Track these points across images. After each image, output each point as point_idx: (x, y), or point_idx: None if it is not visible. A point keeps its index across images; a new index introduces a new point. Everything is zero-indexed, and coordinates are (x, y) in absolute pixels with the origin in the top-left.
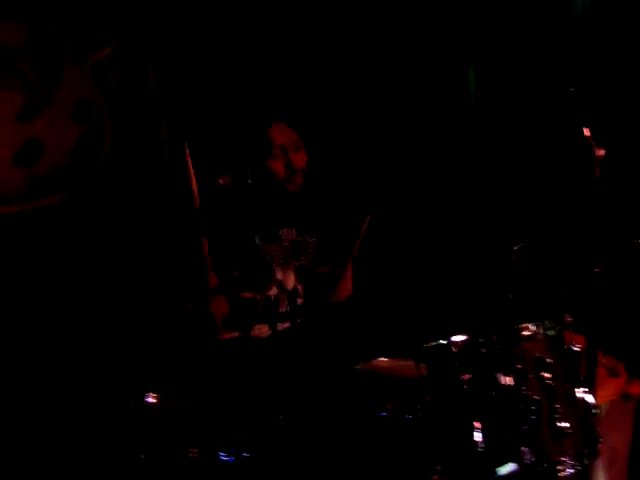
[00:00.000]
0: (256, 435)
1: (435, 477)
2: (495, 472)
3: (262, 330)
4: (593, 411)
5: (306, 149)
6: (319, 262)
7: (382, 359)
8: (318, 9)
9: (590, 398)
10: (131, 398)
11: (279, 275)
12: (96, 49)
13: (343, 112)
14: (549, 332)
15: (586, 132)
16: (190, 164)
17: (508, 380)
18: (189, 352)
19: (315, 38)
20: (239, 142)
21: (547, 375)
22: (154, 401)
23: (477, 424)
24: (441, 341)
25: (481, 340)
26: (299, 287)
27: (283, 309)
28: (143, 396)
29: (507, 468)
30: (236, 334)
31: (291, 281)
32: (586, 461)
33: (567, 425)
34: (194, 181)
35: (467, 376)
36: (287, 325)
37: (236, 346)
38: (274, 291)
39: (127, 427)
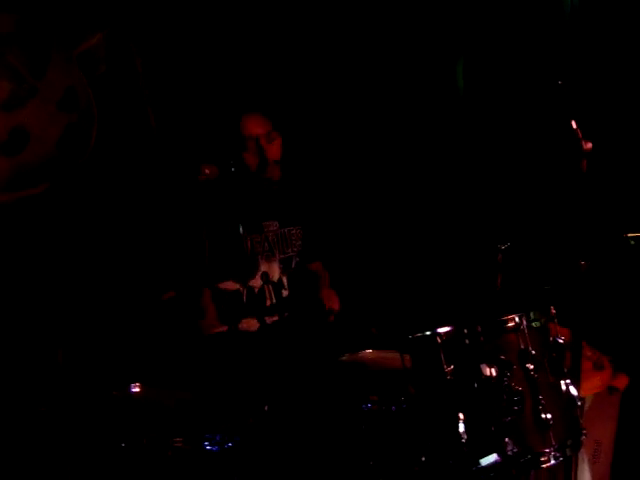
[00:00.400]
0: (241, 425)
1: (418, 468)
2: (478, 463)
3: (250, 324)
4: (577, 403)
5: (292, 141)
6: (306, 255)
7: (367, 350)
8: (305, 1)
9: (574, 390)
10: (115, 388)
11: (264, 267)
12: (83, 38)
13: (331, 105)
14: (534, 324)
15: (573, 125)
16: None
17: (492, 371)
18: (175, 343)
19: (302, 31)
20: (220, 133)
21: (531, 367)
22: (138, 391)
23: (461, 415)
24: (426, 332)
25: (465, 331)
26: (284, 279)
27: (269, 302)
28: (128, 386)
29: (490, 459)
30: (224, 328)
31: (276, 273)
32: (569, 452)
33: (550, 416)
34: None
35: (451, 367)
36: (275, 319)
37: (223, 339)
38: (258, 283)
39: (111, 417)
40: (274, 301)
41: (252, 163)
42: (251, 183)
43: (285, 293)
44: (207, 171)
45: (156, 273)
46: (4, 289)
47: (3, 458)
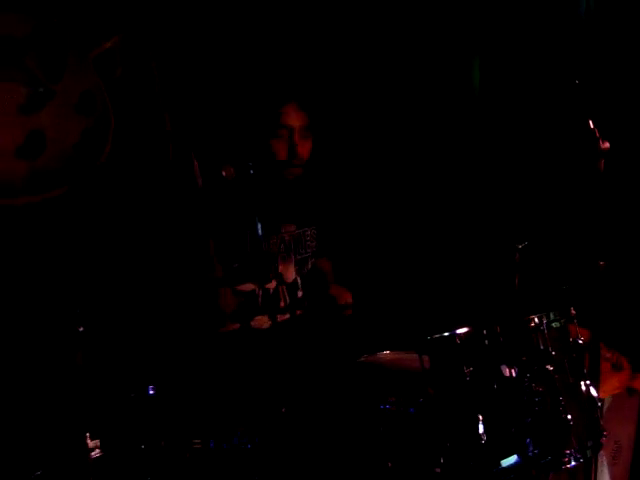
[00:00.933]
0: (259, 427)
1: (438, 469)
2: (499, 464)
3: (262, 321)
4: (597, 404)
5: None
6: (319, 255)
7: (385, 351)
8: (325, 3)
9: (594, 391)
10: (133, 390)
11: (279, 268)
12: (100, 41)
13: (348, 104)
14: (554, 325)
15: (591, 125)
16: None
17: (512, 372)
18: (191, 344)
19: (320, 32)
20: (244, 120)
21: (551, 368)
22: (156, 392)
23: (480, 416)
24: (444, 333)
25: (485, 332)
26: (299, 280)
27: (283, 302)
28: (145, 388)
29: (511, 460)
30: (237, 326)
31: (291, 274)
32: (589, 453)
33: (571, 417)
34: (198, 171)
35: (471, 368)
36: (287, 317)
37: (237, 338)
38: (273, 284)
39: (130, 418)
40: (288, 302)
41: (280, 152)
42: (272, 177)
43: (300, 294)
44: (224, 172)
45: (170, 273)
46: (24, 291)
47: (22, 460)
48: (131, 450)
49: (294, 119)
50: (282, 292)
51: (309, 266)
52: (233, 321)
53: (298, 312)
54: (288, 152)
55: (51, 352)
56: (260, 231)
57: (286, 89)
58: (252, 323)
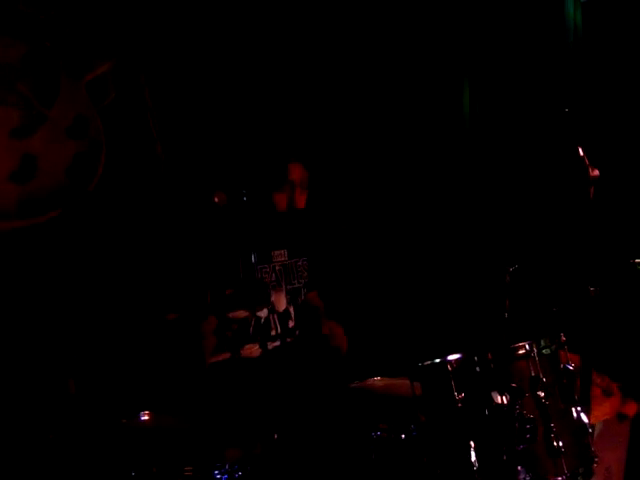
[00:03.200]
0: (250, 453)
1: None
2: None
3: (252, 350)
4: (588, 430)
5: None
6: (311, 286)
7: (377, 377)
8: (312, 31)
9: (585, 417)
10: (124, 416)
11: (271, 297)
12: (92, 66)
13: (338, 135)
14: (544, 351)
15: (581, 152)
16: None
17: (503, 399)
18: (183, 371)
19: (310, 55)
20: (246, 164)
21: (542, 394)
22: (148, 419)
23: (472, 443)
24: (436, 360)
25: (476, 359)
26: (290, 309)
27: (274, 332)
28: (137, 414)
29: None
30: (227, 355)
31: (282, 303)
32: None
33: (562, 444)
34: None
35: (462, 395)
36: (277, 344)
37: (228, 366)
38: (264, 313)
39: (121, 445)
40: (279, 331)
41: (281, 204)
42: (263, 212)
43: (291, 324)
44: (216, 199)
45: (164, 299)
46: (15, 317)
47: None
48: (122, 477)
49: (298, 177)
50: (273, 321)
51: (302, 297)
52: (223, 350)
53: (288, 340)
54: (288, 204)
55: (43, 380)
56: (254, 258)
57: (291, 148)
58: (242, 352)
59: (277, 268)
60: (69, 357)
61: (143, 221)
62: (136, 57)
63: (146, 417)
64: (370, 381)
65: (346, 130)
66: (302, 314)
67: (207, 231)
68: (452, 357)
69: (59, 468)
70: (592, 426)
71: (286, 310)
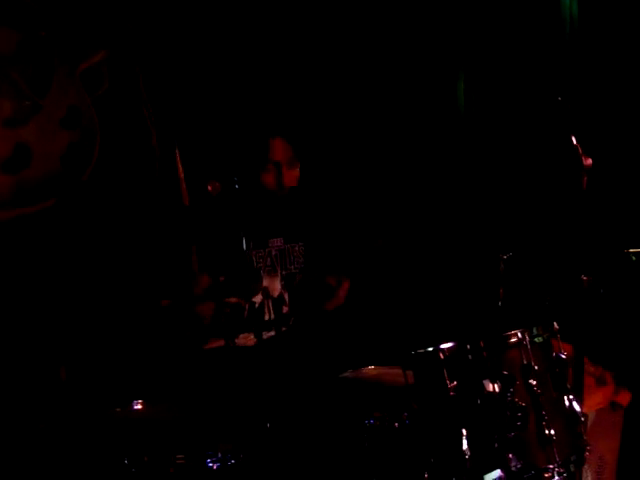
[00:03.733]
0: (243, 442)
1: None
2: (482, 479)
3: (248, 339)
4: (580, 418)
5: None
6: (308, 271)
7: (370, 366)
8: (308, 22)
9: (577, 405)
10: (117, 404)
11: (265, 282)
12: (86, 56)
13: (334, 121)
14: (537, 339)
15: (574, 141)
16: (180, 170)
17: (495, 387)
18: (176, 359)
19: (306, 47)
20: (233, 150)
21: (534, 382)
22: (141, 408)
23: (464, 431)
24: (428, 348)
25: (468, 347)
26: (285, 295)
27: (267, 317)
28: (130, 403)
29: (494, 475)
30: (221, 342)
31: (277, 288)
32: (572, 468)
33: (554, 432)
34: (184, 186)
35: (454, 383)
36: (272, 333)
37: (222, 354)
38: (259, 298)
39: (113, 433)
40: (272, 317)
41: (269, 183)
42: (257, 197)
43: (285, 309)
44: (209, 187)
45: (156, 287)
46: (6, 305)
47: (2, 475)
48: (114, 465)
49: (281, 154)
50: (267, 306)
51: (297, 282)
52: (217, 337)
53: (283, 329)
54: (276, 183)
55: (34, 367)
56: (245, 245)
57: (272, 123)
58: (237, 341)
59: (273, 253)
60: (61, 344)
61: (137, 209)
62: (130, 47)
63: (139, 406)
64: (363, 370)
65: (342, 115)
66: (308, 293)
67: (200, 219)
68: (444, 345)
69: (50, 457)
70: (584, 414)
71: (280, 296)
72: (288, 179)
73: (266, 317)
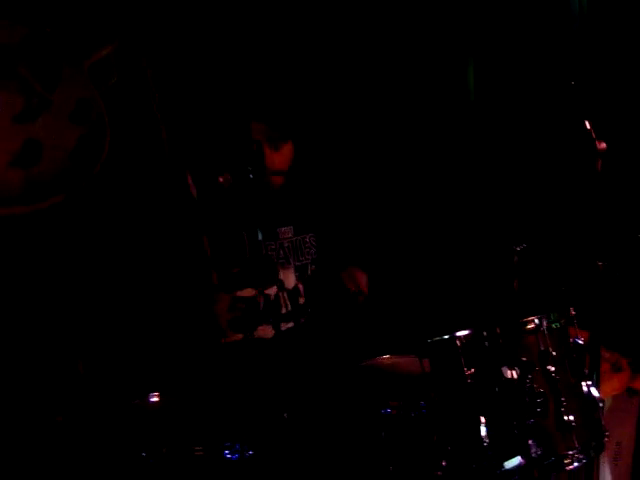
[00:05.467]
0: (261, 433)
1: (440, 473)
2: (502, 466)
3: (266, 331)
4: (599, 404)
5: (304, 146)
6: (322, 261)
7: (386, 355)
8: (316, 6)
9: (595, 391)
10: (135, 397)
11: (280, 274)
12: (94, 50)
13: (343, 109)
14: (554, 325)
15: (587, 125)
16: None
17: (513, 373)
18: (194, 351)
19: (313, 36)
20: (231, 142)
21: (552, 368)
22: (158, 400)
23: (482, 418)
24: (445, 336)
25: (485, 334)
26: (300, 286)
27: (284, 309)
28: (147, 395)
29: (514, 462)
30: (240, 336)
31: (291, 280)
32: (592, 454)
33: (573, 418)
34: (190, 178)
35: (472, 371)
36: (290, 325)
37: (240, 347)
38: (274, 290)
39: (132, 426)
40: (290, 308)
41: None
42: (264, 185)
43: (302, 300)
44: (221, 179)
45: (167, 280)
46: (24, 301)
47: (20, 468)
48: (132, 457)
49: (259, 133)
50: (283, 298)
51: (309, 273)
52: (236, 331)
53: (302, 320)
54: (259, 165)
55: (52, 362)
56: (260, 236)
57: (257, 107)
58: (255, 333)
59: (285, 245)
60: (78, 338)
61: (148, 203)
62: (139, 40)
63: (155, 398)
64: (379, 359)
65: (353, 103)
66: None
67: (212, 211)
68: (461, 333)
69: (68, 450)
70: (602, 400)
71: (295, 287)
72: (276, 160)
73: (283, 310)
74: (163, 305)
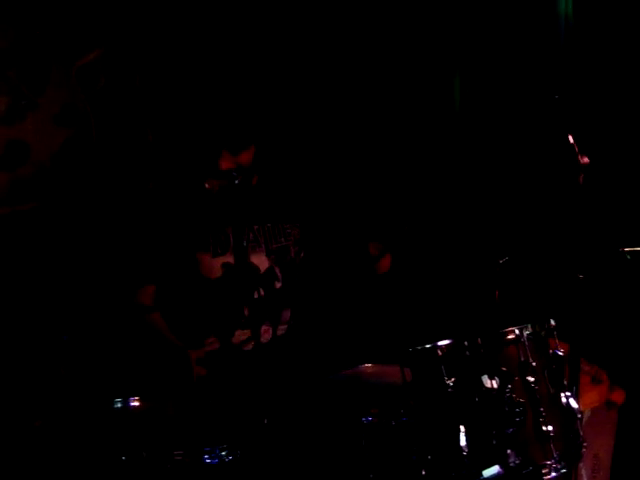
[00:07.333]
0: (241, 439)
1: None
2: (481, 475)
3: (243, 336)
4: (577, 415)
5: (292, 149)
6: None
7: (367, 364)
8: (304, 19)
9: (574, 402)
10: (116, 401)
11: (254, 259)
12: (83, 53)
13: (330, 120)
14: (533, 336)
15: (570, 139)
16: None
17: (493, 383)
18: (173, 357)
19: (301, 42)
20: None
21: (532, 379)
22: (138, 404)
23: (462, 427)
24: (426, 345)
25: (466, 344)
26: (276, 270)
27: (257, 294)
28: (128, 399)
29: (492, 471)
30: (217, 345)
31: (263, 263)
32: (570, 464)
33: (551, 428)
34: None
35: (452, 380)
36: (269, 331)
37: (220, 354)
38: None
39: (111, 430)
40: (262, 294)
41: (224, 164)
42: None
43: (278, 285)
44: (207, 185)
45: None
46: (6, 300)
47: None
48: (112, 461)
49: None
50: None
51: (292, 255)
52: (213, 336)
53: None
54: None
55: (33, 363)
56: (245, 242)
57: (243, 110)
58: (233, 339)
59: (255, 228)
60: (60, 341)
61: (133, 207)
62: (127, 44)
63: (136, 402)
64: (360, 367)
65: (338, 114)
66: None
67: (195, 215)
68: (442, 342)
69: (47, 455)
70: (581, 411)
71: (270, 270)
72: (242, 159)
73: (255, 295)
74: (143, 310)
